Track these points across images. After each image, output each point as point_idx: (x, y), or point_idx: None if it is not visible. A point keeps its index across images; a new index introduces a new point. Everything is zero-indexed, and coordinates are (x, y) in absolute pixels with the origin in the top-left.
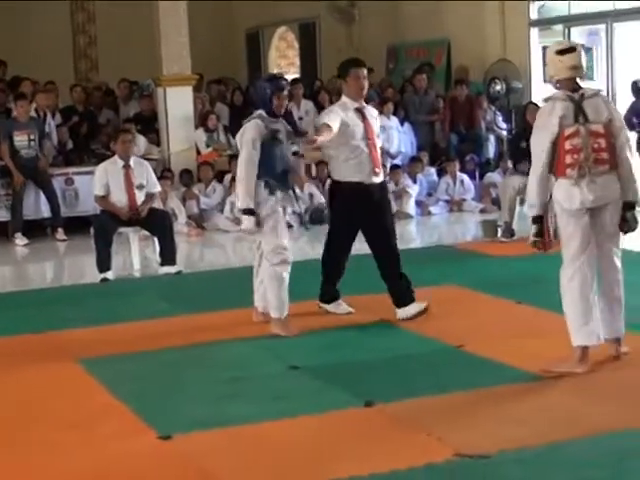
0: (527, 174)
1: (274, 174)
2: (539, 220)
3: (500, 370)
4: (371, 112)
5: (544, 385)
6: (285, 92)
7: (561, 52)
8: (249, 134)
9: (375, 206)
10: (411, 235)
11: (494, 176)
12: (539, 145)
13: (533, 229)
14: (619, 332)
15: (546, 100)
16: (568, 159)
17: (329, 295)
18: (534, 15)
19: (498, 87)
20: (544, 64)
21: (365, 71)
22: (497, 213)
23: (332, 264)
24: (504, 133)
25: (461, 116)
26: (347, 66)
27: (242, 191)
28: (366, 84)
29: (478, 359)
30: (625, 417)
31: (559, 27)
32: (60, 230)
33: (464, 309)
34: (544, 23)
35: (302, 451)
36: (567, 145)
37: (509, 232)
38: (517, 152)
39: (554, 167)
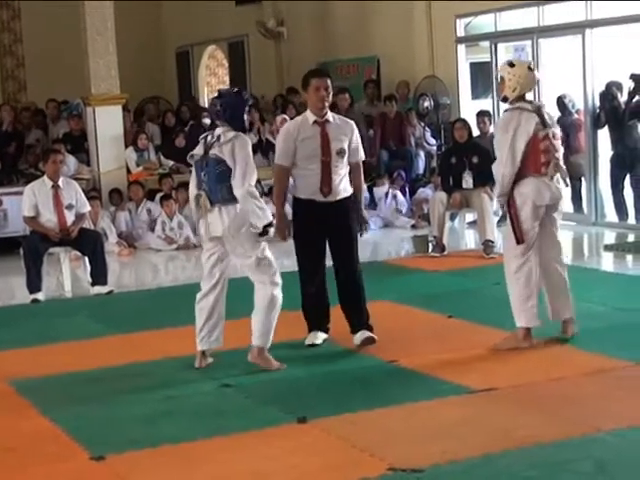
0: (452, 191)
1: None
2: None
3: (433, 384)
4: (338, 126)
5: (476, 398)
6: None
7: (531, 68)
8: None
9: (325, 226)
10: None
11: (426, 191)
12: (515, 146)
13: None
14: (565, 315)
15: (509, 110)
16: (543, 158)
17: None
18: (461, 32)
19: (427, 103)
20: (499, 79)
21: (327, 81)
22: (428, 228)
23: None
24: (434, 149)
25: (391, 133)
26: (307, 77)
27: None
28: (327, 95)
29: (411, 373)
30: (556, 429)
31: (486, 43)
32: None
33: (397, 324)
34: (471, 40)
35: (237, 469)
36: (541, 146)
37: (440, 247)
38: (446, 168)
39: (524, 166)
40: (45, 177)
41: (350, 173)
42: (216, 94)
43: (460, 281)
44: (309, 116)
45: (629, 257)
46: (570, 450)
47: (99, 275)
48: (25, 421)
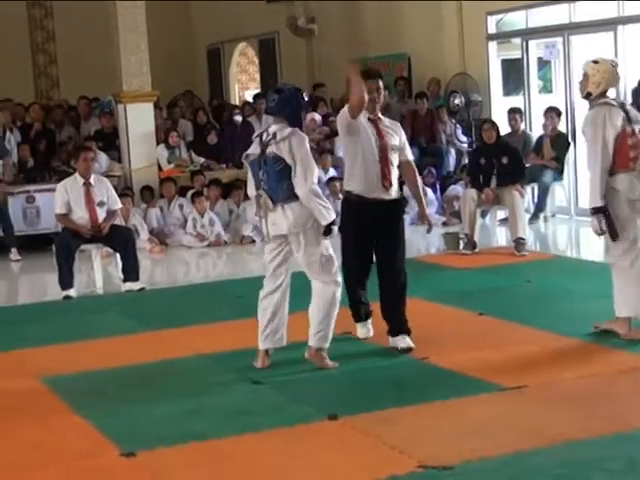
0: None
1: None
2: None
3: (464, 381)
4: (389, 124)
5: (507, 396)
6: None
7: (614, 65)
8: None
9: (380, 222)
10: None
11: (457, 188)
12: (607, 141)
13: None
14: None
15: (597, 105)
16: (631, 154)
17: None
18: (492, 29)
19: (457, 100)
20: (581, 76)
21: (378, 82)
22: (459, 226)
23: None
24: (464, 146)
25: (422, 129)
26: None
27: (322, 205)
28: (378, 95)
29: (442, 371)
30: (588, 426)
31: (517, 40)
32: (14, 250)
33: (428, 322)
34: (502, 36)
35: (266, 465)
36: (629, 142)
37: (471, 244)
38: (475, 169)
39: (613, 162)
40: (77, 174)
41: (401, 172)
42: (275, 89)
43: (491, 279)
44: (362, 114)
45: None
46: (601, 448)
47: (131, 271)
48: (56, 417)
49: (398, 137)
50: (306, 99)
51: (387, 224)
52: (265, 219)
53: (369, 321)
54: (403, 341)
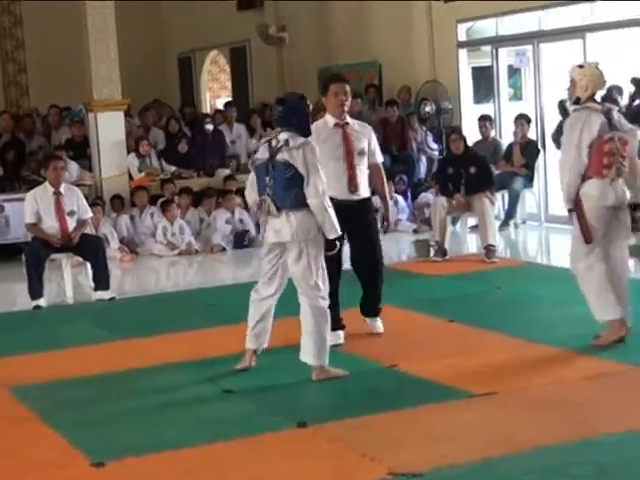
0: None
1: None
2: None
3: (433, 388)
4: (357, 128)
5: (476, 402)
6: None
7: (598, 68)
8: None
9: (349, 225)
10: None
11: (427, 196)
12: (581, 146)
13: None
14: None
15: (578, 109)
16: (606, 160)
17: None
18: (462, 36)
19: (428, 108)
20: (568, 83)
21: (346, 86)
22: (430, 233)
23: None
24: (435, 153)
25: (393, 137)
26: (326, 82)
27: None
28: (346, 99)
29: (411, 378)
30: (556, 432)
31: (487, 48)
32: None
33: (398, 329)
34: (472, 44)
35: (236, 475)
36: (605, 148)
37: (442, 252)
38: (443, 178)
39: (587, 167)
40: (47, 183)
41: (371, 175)
42: (278, 100)
43: (462, 286)
44: (329, 119)
45: (631, 261)
46: (569, 454)
47: (101, 280)
48: (25, 427)
49: (367, 140)
50: (307, 104)
51: (358, 222)
52: (264, 225)
53: (340, 332)
54: (374, 324)
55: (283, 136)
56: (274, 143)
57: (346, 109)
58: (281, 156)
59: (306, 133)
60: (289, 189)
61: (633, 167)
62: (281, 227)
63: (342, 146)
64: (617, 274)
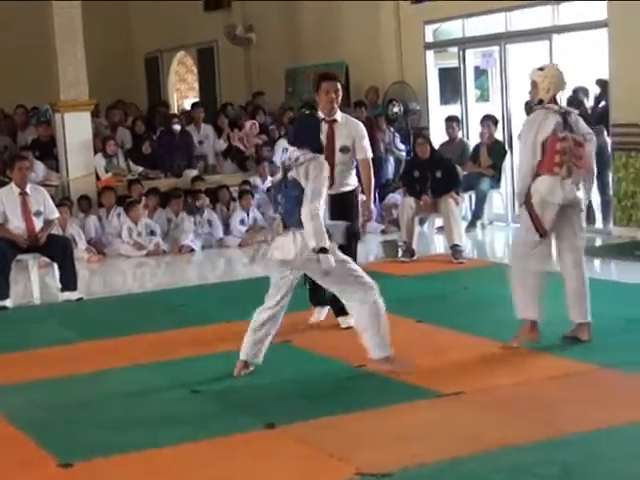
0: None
1: None
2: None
3: (401, 388)
4: (345, 125)
5: (444, 402)
6: None
7: (558, 69)
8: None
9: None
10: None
11: (395, 197)
12: (536, 144)
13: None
14: (578, 319)
15: (536, 109)
16: (557, 159)
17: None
18: (429, 38)
19: (396, 109)
20: (530, 85)
21: (337, 84)
22: (398, 233)
23: None
24: (403, 154)
25: None
26: (318, 80)
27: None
28: (336, 97)
29: (380, 378)
30: (522, 432)
31: (454, 49)
32: None
33: None
34: (439, 45)
35: (203, 476)
36: (558, 146)
37: (409, 252)
38: (409, 181)
39: (539, 164)
40: (12, 184)
41: (358, 169)
42: (290, 120)
43: (429, 286)
44: (320, 115)
45: (596, 261)
46: (536, 453)
47: (69, 281)
48: None
49: (351, 137)
50: (320, 122)
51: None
52: (269, 242)
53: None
54: (345, 321)
55: (295, 154)
56: (286, 162)
57: (335, 106)
58: (291, 174)
59: (316, 149)
60: (298, 206)
61: (587, 170)
62: (286, 245)
63: (325, 142)
64: (567, 275)
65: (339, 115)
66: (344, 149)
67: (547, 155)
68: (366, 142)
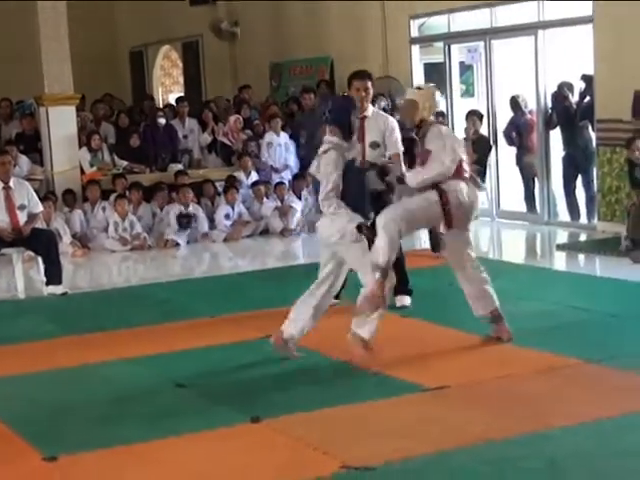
0: None
1: None
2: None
3: (386, 383)
4: (375, 121)
5: (429, 396)
6: None
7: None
8: None
9: None
10: (296, 252)
11: None
12: (456, 151)
13: None
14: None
15: (436, 123)
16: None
17: None
18: (415, 33)
19: (383, 103)
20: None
21: (367, 83)
22: None
23: None
24: None
25: None
26: (350, 78)
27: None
28: (366, 95)
29: (365, 372)
30: (507, 426)
31: (440, 44)
32: None
33: (351, 324)
34: (425, 40)
35: (189, 469)
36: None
37: None
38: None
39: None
40: None
41: None
42: (324, 99)
43: (414, 281)
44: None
45: (581, 256)
46: (521, 447)
47: (53, 275)
48: None
49: (381, 132)
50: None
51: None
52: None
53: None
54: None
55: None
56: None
57: (365, 104)
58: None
59: (346, 128)
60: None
61: None
62: (326, 228)
63: (357, 138)
64: (468, 279)
65: (369, 111)
66: (374, 145)
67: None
68: (396, 136)
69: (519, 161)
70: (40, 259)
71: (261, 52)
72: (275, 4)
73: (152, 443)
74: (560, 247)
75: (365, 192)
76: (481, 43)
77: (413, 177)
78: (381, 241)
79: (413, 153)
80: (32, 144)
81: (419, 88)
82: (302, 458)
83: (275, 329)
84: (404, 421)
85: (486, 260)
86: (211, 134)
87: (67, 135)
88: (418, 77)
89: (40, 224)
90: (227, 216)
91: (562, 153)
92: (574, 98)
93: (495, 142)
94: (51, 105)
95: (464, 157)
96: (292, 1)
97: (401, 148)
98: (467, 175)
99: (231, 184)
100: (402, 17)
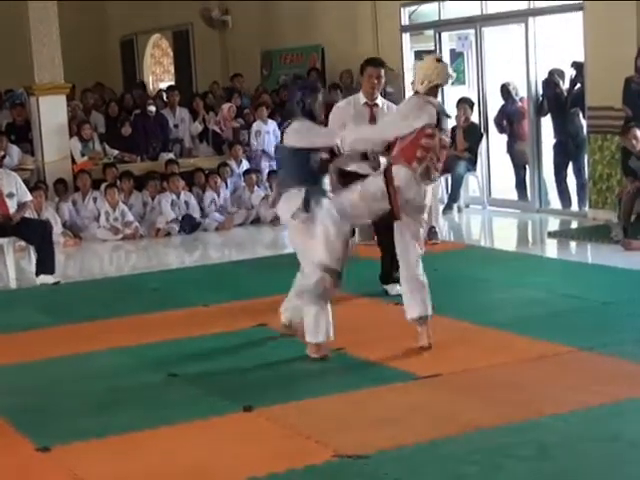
0: None
1: None
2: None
3: (379, 371)
4: (384, 110)
5: (421, 384)
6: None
7: (439, 60)
8: None
9: None
10: (287, 241)
11: None
12: (411, 124)
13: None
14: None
15: (420, 96)
16: (419, 153)
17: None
18: (405, 20)
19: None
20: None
21: (380, 70)
22: None
23: None
24: None
25: None
26: (364, 65)
27: None
28: (378, 82)
29: (358, 361)
30: (499, 414)
31: (430, 32)
32: None
33: (342, 312)
34: (415, 28)
35: (182, 459)
36: (423, 141)
37: None
38: None
39: (400, 150)
40: None
41: None
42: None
43: None
44: (361, 98)
45: (572, 244)
46: (513, 434)
47: (46, 264)
48: None
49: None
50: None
51: None
52: None
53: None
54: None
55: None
56: None
57: (376, 92)
58: None
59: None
60: None
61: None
62: None
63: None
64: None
65: (380, 100)
66: None
67: (410, 145)
68: None
69: (510, 149)
70: (32, 249)
71: (252, 40)
72: None
73: (145, 432)
74: (551, 234)
75: (309, 164)
76: (472, 31)
77: (347, 135)
78: (319, 242)
79: None
80: (23, 134)
81: (439, 60)
82: (294, 447)
83: (268, 317)
84: (396, 409)
85: (477, 248)
86: (202, 123)
87: (58, 125)
88: (409, 65)
89: (30, 214)
90: (213, 202)
91: (553, 141)
92: (565, 85)
93: (486, 130)
94: (42, 95)
95: (427, 144)
96: None
97: None
98: (417, 164)
99: (214, 171)
100: (393, 5)
